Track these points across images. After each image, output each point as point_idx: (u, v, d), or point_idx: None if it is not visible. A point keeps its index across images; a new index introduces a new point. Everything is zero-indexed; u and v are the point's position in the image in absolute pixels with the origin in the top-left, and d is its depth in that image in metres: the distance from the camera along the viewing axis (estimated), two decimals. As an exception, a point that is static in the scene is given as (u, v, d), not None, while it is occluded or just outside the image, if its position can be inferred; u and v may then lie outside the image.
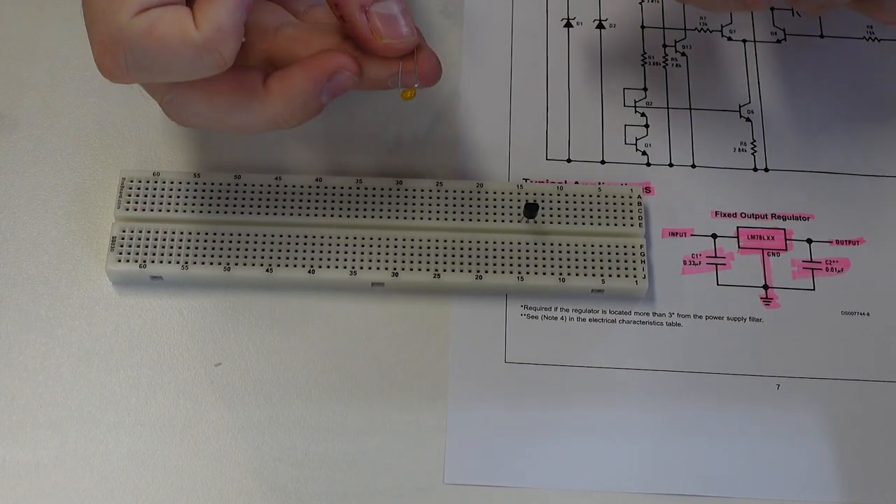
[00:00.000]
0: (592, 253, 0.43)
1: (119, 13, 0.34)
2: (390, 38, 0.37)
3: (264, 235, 0.43)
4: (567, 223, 0.43)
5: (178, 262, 0.42)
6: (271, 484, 0.40)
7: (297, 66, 0.37)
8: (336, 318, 0.43)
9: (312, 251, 0.42)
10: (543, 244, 0.43)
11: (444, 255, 0.43)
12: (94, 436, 0.40)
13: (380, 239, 0.43)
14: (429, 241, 0.43)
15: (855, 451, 0.41)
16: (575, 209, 0.44)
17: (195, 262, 0.42)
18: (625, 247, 0.43)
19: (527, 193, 0.44)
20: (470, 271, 0.42)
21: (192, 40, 0.34)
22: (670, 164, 0.46)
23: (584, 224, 0.43)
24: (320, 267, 0.42)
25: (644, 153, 0.46)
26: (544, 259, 0.43)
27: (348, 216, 0.43)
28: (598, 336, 0.43)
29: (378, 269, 0.42)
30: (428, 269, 0.42)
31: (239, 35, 0.35)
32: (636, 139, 0.47)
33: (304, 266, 0.42)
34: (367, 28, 0.37)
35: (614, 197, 0.44)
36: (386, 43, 0.37)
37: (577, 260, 0.43)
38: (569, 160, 0.46)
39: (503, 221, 0.43)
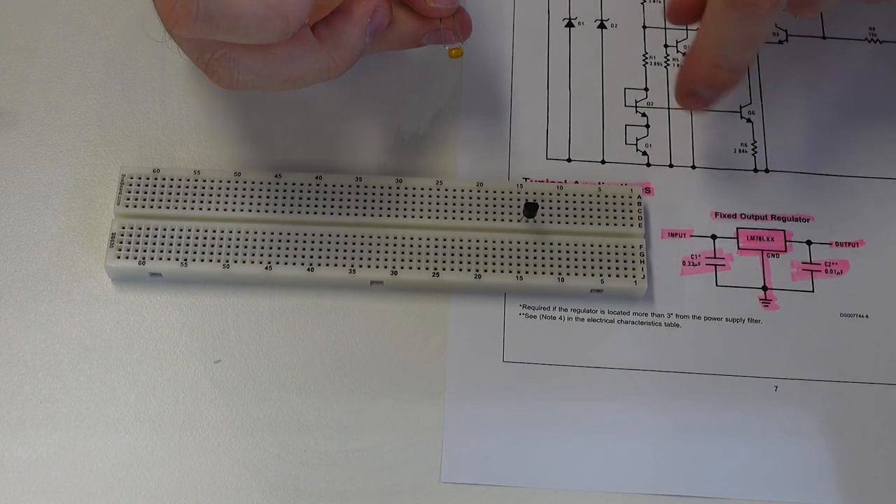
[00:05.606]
0: (592, 253, 0.43)
1: None
2: (437, 2, 0.41)
3: (263, 233, 0.43)
4: (567, 223, 0.43)
5: (177, 259, 0.42)
6: (270, 481, 0.40)
7: (338, 12, 0.39)
8: (335, 316, 0.43)
9: (312, 249, 0.42)
10: (543, 244, 0.43)
11: (444, 254, 0.43)
12: (93, 432, 0.40)
13: (379, 237, 0.43)
14: (428, 239, 0.43)
15: (853, 454, 0.41)
16: (575, 209, 0.44)
17: (194, 259, 0.42)
18: (624, 247, 0.43)
19: (526, 193, 0.44)
20: (469, 270, 0.42)
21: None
22: (670, 165, 0.46)
23: (583, 224, 0.43)
24: (319, 265, 0.42)
25: (644, 153, 0.46)
26: (543, 259, 0.43)
27: (348, 214, 0.43)
28: (596, 336, 0.43)
29: (377, 267, 0.42)
30: (427, 268, 0.42)
31: (308, 7, 0.36)
32: (637, 139, 0.47)
33: (303, 264, 0.42)
34: None
35: (614, 197, 0.44)
36: (433, 7, 0.40)
37: (576, 260, 0.43)
38: (569, 160, 0.46)
39: (503, 221, 0.43)
